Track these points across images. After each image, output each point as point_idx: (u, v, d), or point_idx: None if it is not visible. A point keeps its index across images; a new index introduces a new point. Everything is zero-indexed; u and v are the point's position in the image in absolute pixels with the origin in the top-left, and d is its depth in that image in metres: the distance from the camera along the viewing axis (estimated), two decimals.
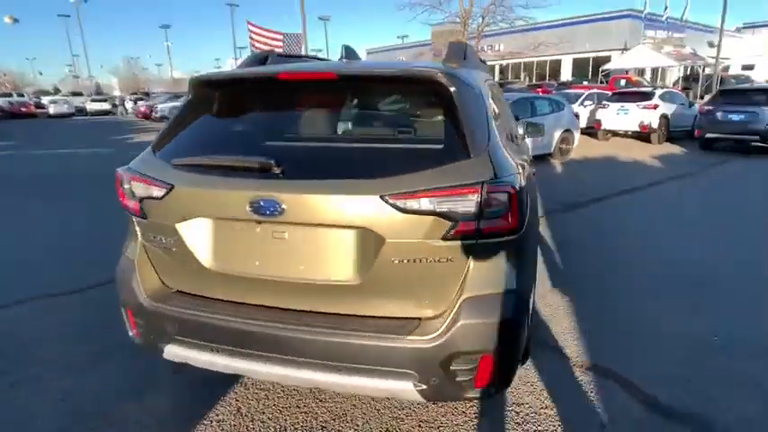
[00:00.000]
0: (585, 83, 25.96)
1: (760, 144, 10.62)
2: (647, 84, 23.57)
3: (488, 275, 1.68)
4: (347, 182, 1.66)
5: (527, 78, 34.53)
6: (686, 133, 13.19)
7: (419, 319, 1.72)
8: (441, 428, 2.17)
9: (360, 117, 2.33)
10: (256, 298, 1.86)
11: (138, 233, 2.00)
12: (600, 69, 27.37)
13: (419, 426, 2.18)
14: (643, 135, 12.87)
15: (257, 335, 1.76)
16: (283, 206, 1.66)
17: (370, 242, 1.65)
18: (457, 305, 1.66)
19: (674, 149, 11.95)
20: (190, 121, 2.08)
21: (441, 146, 1.77)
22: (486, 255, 1.67)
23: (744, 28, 43.61)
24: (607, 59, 29.36)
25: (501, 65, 36.17)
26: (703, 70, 26.56)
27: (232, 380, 2.51)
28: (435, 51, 30.30)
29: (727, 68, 29.53)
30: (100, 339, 2.91)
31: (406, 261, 1.65)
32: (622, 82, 23.26)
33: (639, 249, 4.65)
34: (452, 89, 1.77)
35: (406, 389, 1.69)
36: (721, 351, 2.80)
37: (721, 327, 3.06)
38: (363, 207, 1.63)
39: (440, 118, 1.85)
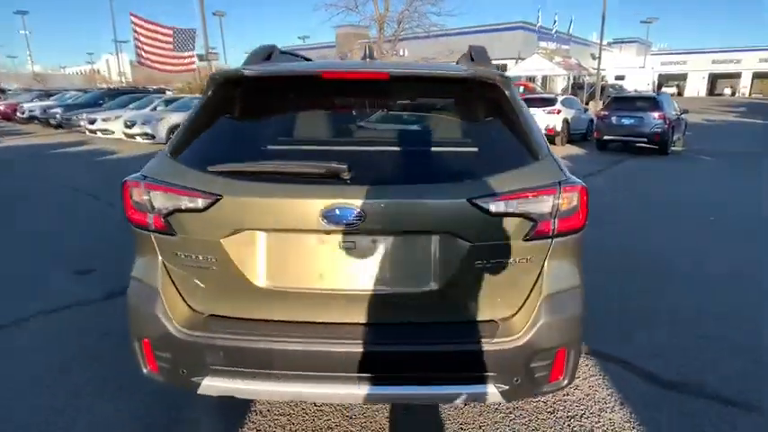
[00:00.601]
0: None
1: (646, 145, 12.26)
2: (540, 90, 26.08)
3: (562, 273, 1.72)
4: (432, 186, 1.60)
5: None
6: (582, 136, 14.84)
7: (494, 320, 1.70)
8: (482, 428, 2.16)
9: (417, 119, 2.17)
10: (319, 315, 1.68)
11: (159, 252, 1.71)
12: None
13: (461, 429, 2.16)
14: (548, 137, 14.07)
15: (322, 354, 1.60)
16: (363, 214, 1.54)
17: (452, 247, 1.61)
18: (538, 303, 1.67)
19: (577, 150, 13.26)
20: (213, 122, 1.84)
21: (509, 149, 1.76)
22: (560, 253, 1.70)
23: (613, 43, 50.06)
24: (504, 67, 32.43)
25: None
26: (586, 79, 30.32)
27: (244, 407, 2.27)
28: (340, 54, 30.37)
29: (603, 78, 33.80)
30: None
31: (487, 264, 1.64)
32: (521, 89, 25.40)
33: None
34: (508, 93, 1.79)
35: (488, 392, 1.67)
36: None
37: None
38: (449, 211, 1.59)
39: (500, 121, 1.82)
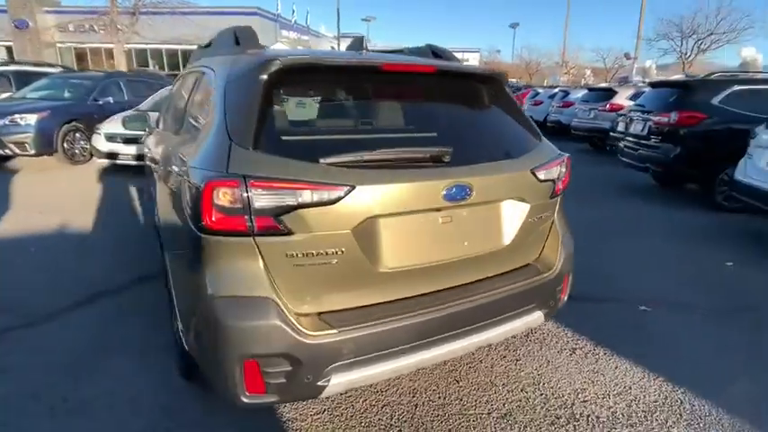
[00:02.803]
0: None
1: None
2: None
3: (562, 221, 2.30)
4: (507, 162, 1.97)
5: (156, 67, 29.99)
6: None
7: (537, 261, 2.18)
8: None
9: (458, 108, 2.27)
10: (428, 286, 1.83)
11: (262, 257, 1.55)
12: None
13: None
14: None
15: (432, 321, 1.75)
16: (470, 190, 1.79)
17: (519, 209, 2.00)
18: (559, 244, 2.21)
19: None
20: (285, 110, 1.87)
21: (526, 132, 2.20)
22: (559, 206, 2.25)
23: (341, 37, 47.56)
24: None
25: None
26: None
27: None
28: (14, 20, 23.96)
29: None
30: None
31: (534, 219, 2.06)
32: None
33: None
34: (506, 88, 2.23)
35: (538, 318, 2.13)
36: None
37: None
38: (519, 181, 1.98)
39: (513, 109, 2.23)
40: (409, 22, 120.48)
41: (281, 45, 28.49)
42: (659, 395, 2.27)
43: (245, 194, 1.49)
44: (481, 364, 2.52)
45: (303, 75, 1.84)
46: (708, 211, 5.76)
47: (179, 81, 3.23)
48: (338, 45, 29.27)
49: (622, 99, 10.75)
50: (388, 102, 2.21)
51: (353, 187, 1.57)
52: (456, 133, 2.07)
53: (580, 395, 2.27)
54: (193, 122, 2.19)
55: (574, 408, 2.17)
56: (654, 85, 7.57)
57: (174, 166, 2.01)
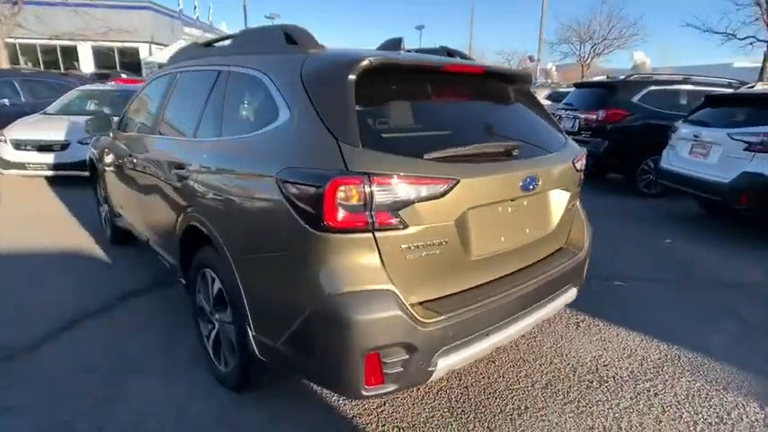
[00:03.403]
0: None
1: None
2: None
3: (579, 207, 2.55)
4: (557, 153, 2.21)
5: (29, 64, 25.26)
6: None
7: (572, 243, 2.42)
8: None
9: (502, 106, 2.38)
10: (501, 270, 1.99)
11: (380, 251, 1.59)
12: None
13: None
14: None
15: (511, 301, 1.91)
16: (538, 180, 1.98)
17: (562, 197, 2.24)
18: (584, 228, 2.51)
19: None
20: (379, 109, 1.92)
21: (555, 128, 2.47)
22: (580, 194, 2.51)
23: None
24: (135, 51, 27.52)
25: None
26: None
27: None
28: None
29: None
30: None
31: (570, 206, 2.31)
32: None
33: None
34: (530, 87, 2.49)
35: (572, 294, 2.36)
36: None
37: None
38: (565, 170, 2.22)
39: (537, 108, 2.48)
40: (313, 20, 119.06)
41: (185, 43, 26.41)
42: (660, 353, 2.64)
43: (368, 191, 1.52)
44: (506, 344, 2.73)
45: (386, 74, 1.88)
46: (632, 197, 6.56)
47: (168, 82, 2.97)
48: None
49: (540, 99, 11.75)
50: (452, 99, 2.24)
51: (458, 181, 1.68)
52: (510, 128, 2.26)
53: (599, 361, 2.56)
54: (241, 124, 2.16)
55: (599, 372, 2.46)
56: (578, 85, 8.41)
57: (233, 169, 1.98)
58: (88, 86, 8.33)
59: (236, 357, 2.07)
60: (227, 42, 2.57)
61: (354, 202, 1.52)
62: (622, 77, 7.16)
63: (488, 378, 2.40)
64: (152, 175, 2.73)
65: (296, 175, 1.61)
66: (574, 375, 2.43)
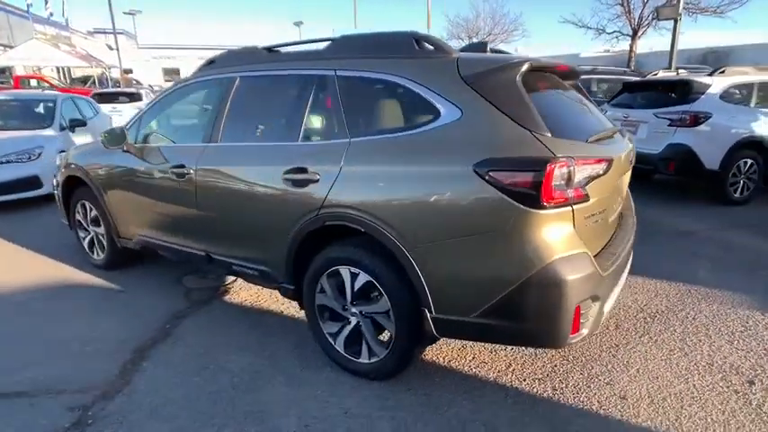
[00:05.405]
0: None
1: None
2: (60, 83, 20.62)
3: None
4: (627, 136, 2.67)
5: None
6: None
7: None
8: None
9: (578, 95, 2.67)
10: (612, 231, 2.41)
11: (574, 221, 1.88)
12: None
13: None
14: None
15: (624, 257, 2.33)
16: (633, 156, 2.57)
17: (627, 175, 2.59)
18: (630, 201, 2.97)
19: None
20: (536, 103, 2.03)
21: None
22: None
23: (95, 33, 42.42)
24: None
25: None
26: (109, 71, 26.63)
27: None
28: None
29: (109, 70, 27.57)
30: None
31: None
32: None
33: None
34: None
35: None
36: None
37: None
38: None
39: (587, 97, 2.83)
40: (182, 17, 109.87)
41: (38, 43, 23.04)
42: (684, 292, 3.30)
43: (572, 171, 1.83)
44: None
45: (533, 73, 2.11)
46: None
47: (221, 89, 2.84)
48: (115, 43, 24.69)
49: None
50: (560, 91, 2.48)
51: (612, 159, 2.09)
52: (592, 114, 2.55)
53: (638, 303, 3.14)
54: (378, 125, 2.24)
55: (645, 311, 3.04)
56: None
57: (393, 166, 2.07)
58: None
59: (393, 344, 2.19)
60: (312, 47, 2.60)
61: (563, 181, 1.82)
62: None
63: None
64: (228, 185, 2.64)
65: (505, 164, 1.83)
66: (629, 316, 2.97)
